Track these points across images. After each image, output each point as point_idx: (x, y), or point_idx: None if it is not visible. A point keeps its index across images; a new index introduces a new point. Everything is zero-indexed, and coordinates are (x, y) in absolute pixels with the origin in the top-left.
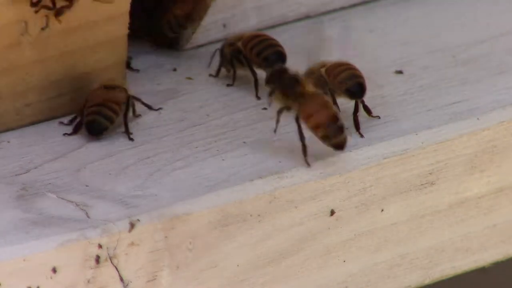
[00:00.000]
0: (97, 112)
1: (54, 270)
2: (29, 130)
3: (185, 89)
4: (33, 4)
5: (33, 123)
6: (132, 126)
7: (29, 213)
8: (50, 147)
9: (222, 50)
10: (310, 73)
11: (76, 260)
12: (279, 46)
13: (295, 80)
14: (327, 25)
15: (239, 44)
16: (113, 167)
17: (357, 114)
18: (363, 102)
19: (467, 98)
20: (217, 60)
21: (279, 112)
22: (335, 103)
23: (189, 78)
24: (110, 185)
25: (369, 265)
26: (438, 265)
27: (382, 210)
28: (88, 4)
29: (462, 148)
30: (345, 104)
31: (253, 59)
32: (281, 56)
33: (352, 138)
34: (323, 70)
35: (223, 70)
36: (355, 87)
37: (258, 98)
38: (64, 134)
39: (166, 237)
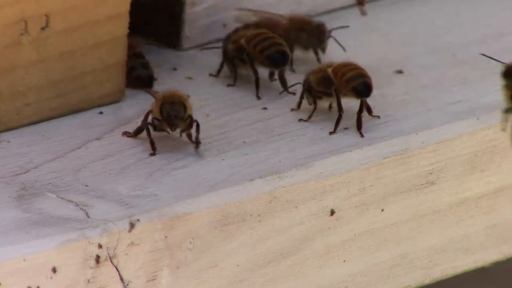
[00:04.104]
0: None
1: (54, 270)
2: (29, 130)
3: (185, 89)
4: None
5: (33, 123)
6: (132, 126)
7: (29, 213)
8: (50, 147)
9: (225, 49)
10: (316, 72)
11: (76, 260)
12: (283, 44)
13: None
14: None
15: (242, 41)
16: (113, 167)
17: (361, 113)
18: (365, 101)
19: (467, 97)
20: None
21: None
22: (339, 103)
23: (189, 78)
24: (110, 185)
25: (369, 265)
26: (438, 265)
27: (382, 210)
28: (88, 4)
29: (462, 148)
30: (347, 103)
31: (256, 56)
32: (284, 55)
33: (352, 138)
34: (329, 69)
35: (224, 69)
36: (362, 86)
37: (259, 98)
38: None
39: (166, 237)
